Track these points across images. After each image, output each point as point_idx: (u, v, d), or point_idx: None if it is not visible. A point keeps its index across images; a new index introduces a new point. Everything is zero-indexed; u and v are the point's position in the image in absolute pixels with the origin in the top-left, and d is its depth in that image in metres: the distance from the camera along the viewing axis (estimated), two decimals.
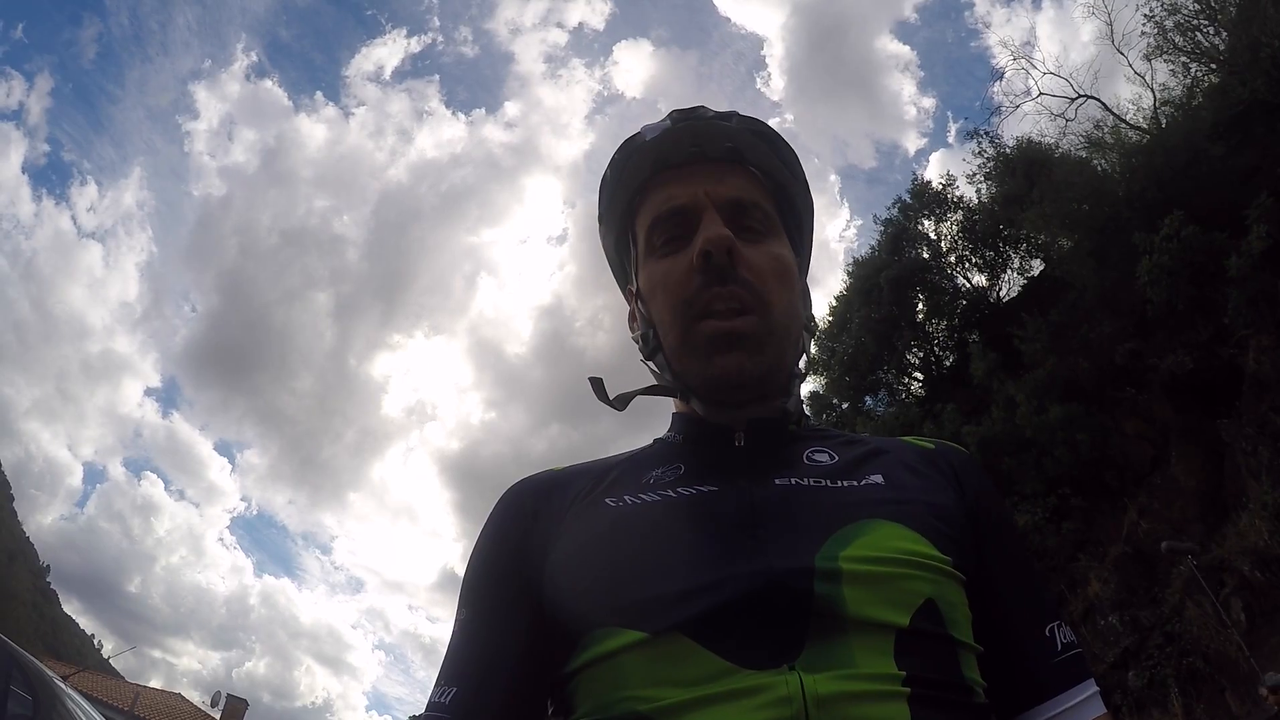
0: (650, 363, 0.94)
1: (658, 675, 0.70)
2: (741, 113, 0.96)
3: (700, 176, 0.90)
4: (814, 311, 1.00)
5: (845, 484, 0.82)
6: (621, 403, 0.95)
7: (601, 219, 1.02)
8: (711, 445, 0.89)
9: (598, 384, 0.95)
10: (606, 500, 0.85)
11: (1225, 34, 13.57)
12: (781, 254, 0.90)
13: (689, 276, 0.85)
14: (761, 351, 0.84)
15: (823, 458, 0.87)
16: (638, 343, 0.97)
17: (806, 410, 1.01)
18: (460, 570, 0.91)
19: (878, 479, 0.83)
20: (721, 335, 0.83)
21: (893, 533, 0.76)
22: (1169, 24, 14.42)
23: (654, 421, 0.99)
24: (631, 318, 1.00)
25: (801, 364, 0.94)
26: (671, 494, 0.83)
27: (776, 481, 0.82)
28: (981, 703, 0.74)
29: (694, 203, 0.89)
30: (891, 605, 0.70)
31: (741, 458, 0.86)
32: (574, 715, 0.75)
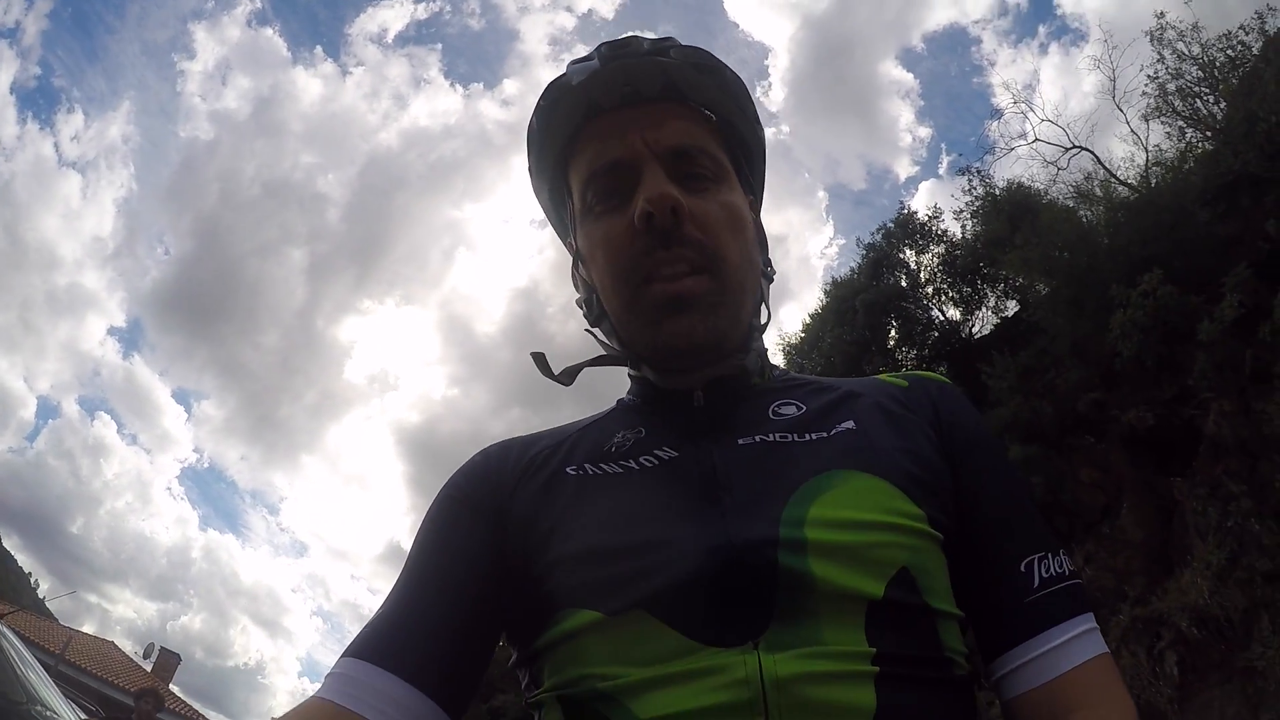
0: (596, 330, 0.89)
1: (619, 653, 0.68)
2: (681, 41, 0.87)
3: (637, 122, 0.82)
4: (788, 317, 0.94)
5: (814, 436, 0.78)
6: (568, 376, 0.88)
7: (531, 172, 0.94)
8: (671, 408, 0.84)
9: (540, 359, 0.88)
10: (568, 469, 0.82)
11: (1224, 104, 13.91)
12: (732, 201, 0.84)
13: (630, 238, 0.79)
14: (716, 312, 0.79)
15: (790, 410, 0.83)
16: (580, 307, 0.91)
17: (779, 364, 0.95)
18: (407, 544, 0.86)
19: (849, 425, 0.79)
20: (671, 299, 0.77)
21: (862, 484, 0.72)
22: (1171, 88, 14.77)
23: (615, 398, 0.95)
24: (575, 278, 0.94)
25: (762, 316, 0.88)
26: (633, 464, 0.80)
27: (740, 442, 0.78)
28: (962, 674, 0.70)
29: (632, 155, 0.81)
30: (863, 575, 0.67)
31: (702, 418, 0.82)
32: (540, 689, 0.74)
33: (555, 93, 0.85)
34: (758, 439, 0.78)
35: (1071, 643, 0.72)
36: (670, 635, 0.66)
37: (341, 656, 0.74)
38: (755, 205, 0.93)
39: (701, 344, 0.78)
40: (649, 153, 0.80)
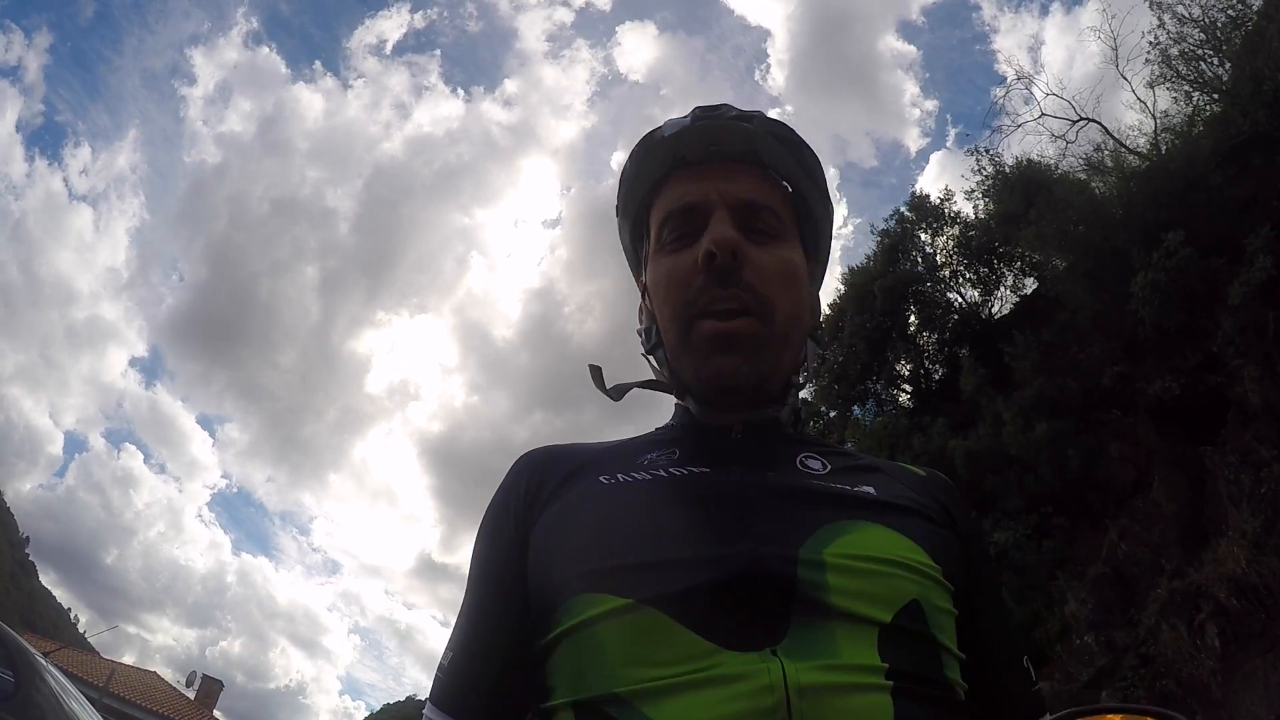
0: (650, 357, 0.96)
1: (637, 654, 0.68)
2: (766, 114, 0.95)
3: (715, 175, 0.90)
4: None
5: (837, 486, 0.83)
6: (618, 393, 0.96)
7: (618, 211, 1.02)
8: (708, 438, 0.89)
9: (596, 372, 0.97)
10: (600, 477, 0.85)
11: (1228, 65, 13.64)
12: (790, 258, 0.90)
13: (692, 275, 0.86)
14: (758, 355, 0.85)
15: (815, 464, 0.87)
16: (640, 336, 0.98)
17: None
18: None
19: (869, 490, 0.83)
20: (720, 336, 0.84)
21: (882, 535, 0.76)
22: (1173, 52, 14.49)
23: (640, 414, 1.03)
24: (641, 309, 1.00)
25: (802, 375, 0.94)
26: (663, 473, 0.84)
27: (769, 475, 0.83)
28: (962, 701, 0.73)
29: (705, 201, 0.89)
30: (875, 601, 0.70)
31: (736, 449, 0.86)
32: (552, 698, 0.75)
33: (648, 142, 0.95)
34: (784, 479, 0.83)
35: None
36: (688, 637, 0.67)
37: (428, 701, 0.84)
38: (815, 274, 1.00)
39: (743, 383, 0.85)
40: (721, 201, 0.88)
